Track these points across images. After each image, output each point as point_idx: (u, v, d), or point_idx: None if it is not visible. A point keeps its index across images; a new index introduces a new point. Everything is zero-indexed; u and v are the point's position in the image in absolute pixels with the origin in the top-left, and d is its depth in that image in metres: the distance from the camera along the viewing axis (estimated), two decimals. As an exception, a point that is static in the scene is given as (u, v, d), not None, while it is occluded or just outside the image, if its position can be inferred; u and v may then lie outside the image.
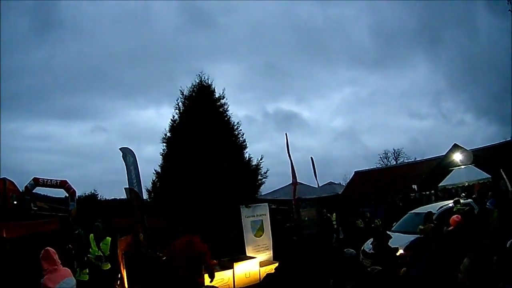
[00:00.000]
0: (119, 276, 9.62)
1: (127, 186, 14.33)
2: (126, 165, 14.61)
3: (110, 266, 9.20)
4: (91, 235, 9.17)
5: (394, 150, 42.63)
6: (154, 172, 14.90)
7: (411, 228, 11.98)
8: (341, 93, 75.50)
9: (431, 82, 66.09)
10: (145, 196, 14.82)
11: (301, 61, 79.08)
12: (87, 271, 8.52)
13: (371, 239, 12.21)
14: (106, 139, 67.68)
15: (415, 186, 20.70)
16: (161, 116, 68.16)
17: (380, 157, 43.16)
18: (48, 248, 5.94)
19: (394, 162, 40.40)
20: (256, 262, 11.03)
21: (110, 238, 9.21)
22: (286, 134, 15.50)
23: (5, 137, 62.15)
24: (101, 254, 8.98)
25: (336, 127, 72.87)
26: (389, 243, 8.93)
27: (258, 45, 74.77)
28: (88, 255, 8.76)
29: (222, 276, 10.18)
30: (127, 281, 9.66)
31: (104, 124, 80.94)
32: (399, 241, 10.39)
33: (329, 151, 73.02)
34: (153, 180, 14.85)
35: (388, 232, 11.31)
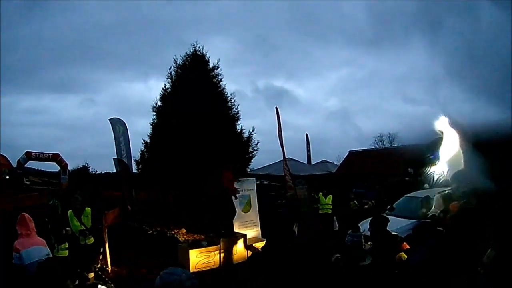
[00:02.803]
0: (102, 250, 9.26)
1: (116, 157, 14.07)
2: (115, 135, 14.35)
3: (93, 240, 8.65)
4: (70, 211, 8.41)
5: (389, 133, 42.07)
6: (143, 142, 14.46)
7: (407, 212, 11.65)
8: (335, 73, 75.52)
9: (428, 68, 65.31)
10: (134, 168, 14.53)
11: (293, 37, 78.53)
12: (66, 245, 7.64)
13: (364, 220, 11.96)
14: (98, 112, 67.72)
15: (411, 170, 20.37)
16: (149, 89, 67.70)
17: (375, 140, 42.75)
18: (24, 213, 5.77)
19: (389, 146, 39.86)
20: (243, 239, 10.66)
21: (89, 209, 8.62)
22: (276, 107, 15.29)
23: None
24: (84, 228, 8.42)
25: (330, 107, 72.73)
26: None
27: (248, 18, 73.79)
28: (67, 229, 8.05)
29: (208, 253, 9.82)
30: (110, 255, 9.29)
31: (95, 97, 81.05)
32: (394, 225, 10.09)
33: (322, 130, 73.17)
34: (141, 150, 14.43)
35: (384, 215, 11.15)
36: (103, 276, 8.66)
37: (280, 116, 14.91)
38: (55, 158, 27.67)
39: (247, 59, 78.96)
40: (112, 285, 7.27)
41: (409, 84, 71.03)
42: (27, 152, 27.13)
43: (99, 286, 6.60)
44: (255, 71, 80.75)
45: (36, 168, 33.69)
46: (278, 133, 14.84)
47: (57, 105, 76.42)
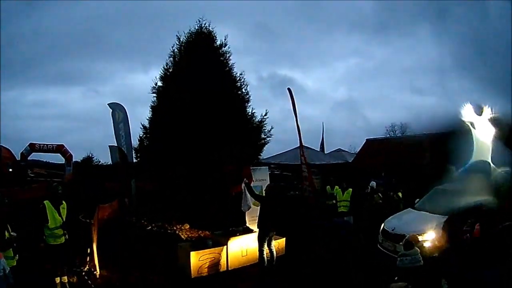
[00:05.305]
0: (89, 251, 7.91)
1: (113, 145, 12.90)
2: (114, 122, 13.24)
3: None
4: (46, 201, 6.83)
5: (401, 123, 40.52)
6: (142, 126, 13.15)
7: (440, 207, 10.07)
8: (343, 63, 74.89)
9: (436, 58, 63.45)
10: (134, 157, 13.32)
11: (296, 24, 77.90)
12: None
13: (391, 217, 10.50)
14: (103, 103, 67.25)
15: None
16: (152, 79, 67.12)
17: (387, 130, 41.17)
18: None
19: (401, 135, 38.36)
20: (255, 237, 9.17)
21: (65, 203, 7.20)
22: (288, 88, 13.44)
23: (4, 106, 62.43)
24: (63, 221, 6.95)
25: (337, 97, 71.49)
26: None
27: (248, 4, 72.40)
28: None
29: (213, 255, 8.49)
30: (100, 256, 7.92)
31: (99, 88, 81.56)
32: (425, 222, 9.17)
33: (329, 121, 71.79)
34: (140, 136, 13.15)
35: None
36: (89, 281, 7.44)
37: (294, 98, 13.19)
38: (60, 149, 27.21)
39: (249, 47, 77.55)
40: None
41: (417, 75, 69.25)
42: (30, 144, 26.77)
43: None
44: (258, 60, 78.87)
45: (44, 160, 33.73)
46: (295, 117, 13.11)
47: (62, 98, 77.22)
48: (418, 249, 5.53)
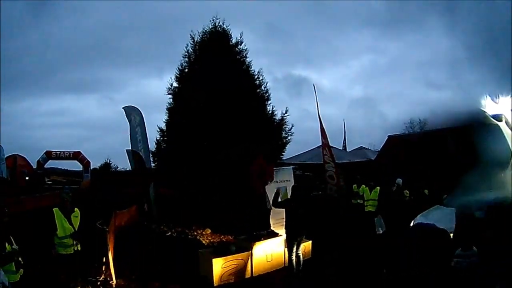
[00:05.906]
0: (105, 260, 7.49)
1: (129, 148, 12.56)
2: (130, 125, 12.91)
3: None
4: (55, 209, 6.62)
5: (419, 119, 39.59)
6: (158, 129, 12.81)
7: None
8: (358, 61, 75.41)
9: (448, 49, 62.79)
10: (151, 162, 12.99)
11: (306, 23, 77.35)
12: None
13: (420, 214, 9.86)
14: (119, 110, 67.68)
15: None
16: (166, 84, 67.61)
17: (406, 126, 40.28)
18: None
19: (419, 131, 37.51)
20: (281, 241, 8.79)
21: (78, 210, 6.87)
22: (314, 85, 13.08)
23: (20, 115, 63.42)
24: (74, 230, 6.61)
25: (354, 95, 71.23)
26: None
27: (258, 6, 72.46)
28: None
29: (237, 261, 8.02)
30: (117, 265, 7.50)
31: (114, 95, 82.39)
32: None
33: (347, 119, 71.29)
34: (157, 140, 12.79)
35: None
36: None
37: (316, 95, 12.74)
38: (76, 156, 27.27)
39: (261, 49, 77.91)
40: None
41: (430, 68, 68.61)
42: (47, 151, 26.86)
43: None
44: (272, 61, 79.08)
45: (62, 168, 33.98)
46: (318, 115, 12.66)
47: (77, 106, 78.34)
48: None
